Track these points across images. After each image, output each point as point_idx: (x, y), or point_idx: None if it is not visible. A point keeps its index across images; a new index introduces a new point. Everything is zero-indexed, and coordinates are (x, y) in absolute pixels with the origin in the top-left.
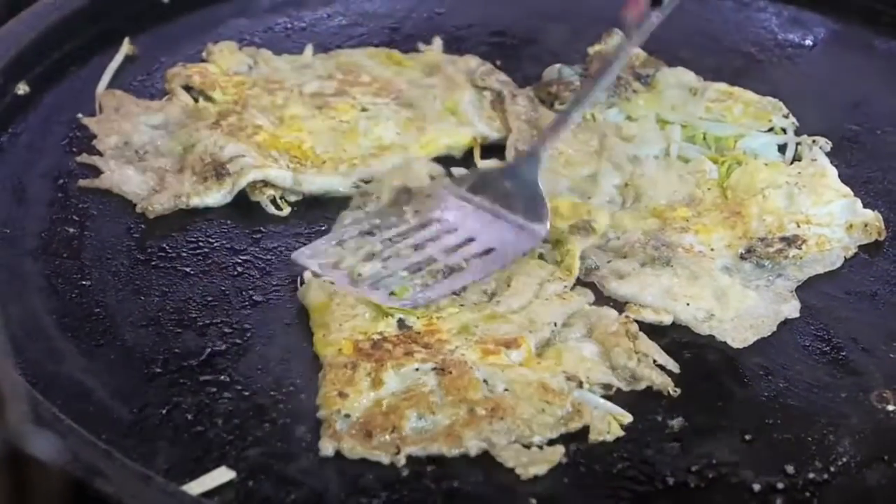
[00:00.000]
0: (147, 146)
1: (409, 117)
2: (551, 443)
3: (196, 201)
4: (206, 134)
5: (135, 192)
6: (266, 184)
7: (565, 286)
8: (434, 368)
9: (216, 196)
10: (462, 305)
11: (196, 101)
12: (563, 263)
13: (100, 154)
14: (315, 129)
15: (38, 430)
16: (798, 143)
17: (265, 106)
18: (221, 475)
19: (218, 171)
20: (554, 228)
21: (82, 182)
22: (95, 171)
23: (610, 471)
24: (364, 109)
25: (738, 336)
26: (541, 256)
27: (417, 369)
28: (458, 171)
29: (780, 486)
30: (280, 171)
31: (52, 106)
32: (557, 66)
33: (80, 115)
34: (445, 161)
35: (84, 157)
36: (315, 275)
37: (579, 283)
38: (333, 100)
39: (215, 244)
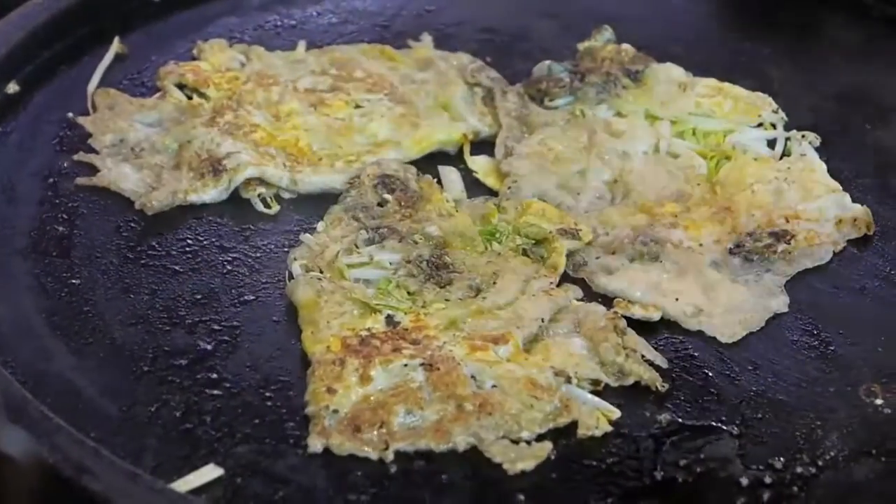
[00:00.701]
0: (142, 143)
1: (402, 113)
2: (539, 438)
3: (194, 198)
4: (202, 131)
5: (132, 190)
6: (260, 181)
7: (551, 283)
8: (422, 364)
9: (213, 193)
10: (448, 300)
11: (189, 98)
12: (549, 260)
13: (96, 152)
14: (311, 127)
15: (8, 426)
16: (787, 138)
17: (260, 102)
18: (209, 472)
19: (214, 167)
20: (540, 228)
21: (80, 180)
22: (89, 170)
23: (598, 466)
24: (358, 106)
25: (727, 331)
26: (525, 253)
27: (406, 365)
28: (445, 168)
29: (768, 480)
30: (276, 169)
31: (42, 105)
32: (547, 62)
33: (70, 114)
34: (438, 157)
35: (81, 156)
36: None
37: (567, 279)
38: (328, 97)
39: (205, 242)
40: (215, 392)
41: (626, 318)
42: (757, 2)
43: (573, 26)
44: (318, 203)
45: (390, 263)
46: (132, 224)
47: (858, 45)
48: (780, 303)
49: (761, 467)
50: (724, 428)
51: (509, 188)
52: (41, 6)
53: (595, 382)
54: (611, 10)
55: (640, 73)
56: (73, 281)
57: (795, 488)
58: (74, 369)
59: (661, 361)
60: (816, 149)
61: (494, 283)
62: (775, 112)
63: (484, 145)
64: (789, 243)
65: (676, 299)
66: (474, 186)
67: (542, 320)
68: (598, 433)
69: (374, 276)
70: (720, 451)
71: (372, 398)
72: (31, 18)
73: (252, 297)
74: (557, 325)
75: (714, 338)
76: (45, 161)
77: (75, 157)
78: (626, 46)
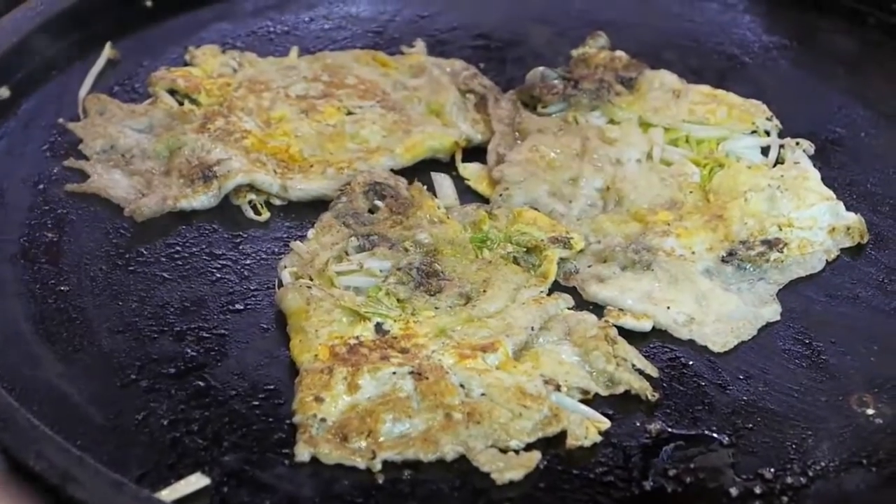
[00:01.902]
0: (133, 150)
1: (394, 120)
2: (528, 448)
3: (183, 204)
4: (192, 137)
5: (122, 196)
6: (250, 188)
7: (541, 291)
8: (410, 373)
9: (203, 199)
10: (437, 309)
11: (181, 104)
12: (540, 269)
13: (86, 158)
14: (302, 133)
15: None
16: (781, 146)
17: (251, 108)
18: (196, 481)
19: (205, 174)
20: (531, 236)
21: (70, 186)
22: (79, 176)
23: (587, 476)
24: (350, 113)
25: (719, 340)
26: (515, 261)
27: (394, 373)
28: (438, 175)
29: (758, 490)
30: (267, 176)
31: (32, 111)
32: (540, 68)
33: (61, 120)
34: (430, 164)
35: (71, 162)
36: None
37: (559, 288)
38: (319, 103)
39: (194, 249)
40: (203, 400)
41: (617, 326)
42: (752, 8)
43: (567, 33)
44: (309, 210)
45: (380, 271)
46: (122, 230)
47: (854, 53)
48: (773, 311)
49: (751, 477)
50: (715, 437)
51: (501, 195)
52: (33, 11)
53: (585, 391)
54: (604, 16)
55: (633, 80)
56: (62, 288)
57: (785, 498)
58: (62, 376)
59: (651, 370)
60: (810, 156)
61: (485, 290)
62: (769, 119)
63: (477, 152)
64: (782, 251)
65: (668, 308)
66: (466, 193)
67: (532, 328)
68: (587, 443)
69: (364, 283)
70: (711, 460)
71: (360, 407)
72: (23, 24)
73: (241, 305)
74: (548, 333)
75: (706, 346)
76: (36, 167)
77: (65, 163)
78: (619, 53)
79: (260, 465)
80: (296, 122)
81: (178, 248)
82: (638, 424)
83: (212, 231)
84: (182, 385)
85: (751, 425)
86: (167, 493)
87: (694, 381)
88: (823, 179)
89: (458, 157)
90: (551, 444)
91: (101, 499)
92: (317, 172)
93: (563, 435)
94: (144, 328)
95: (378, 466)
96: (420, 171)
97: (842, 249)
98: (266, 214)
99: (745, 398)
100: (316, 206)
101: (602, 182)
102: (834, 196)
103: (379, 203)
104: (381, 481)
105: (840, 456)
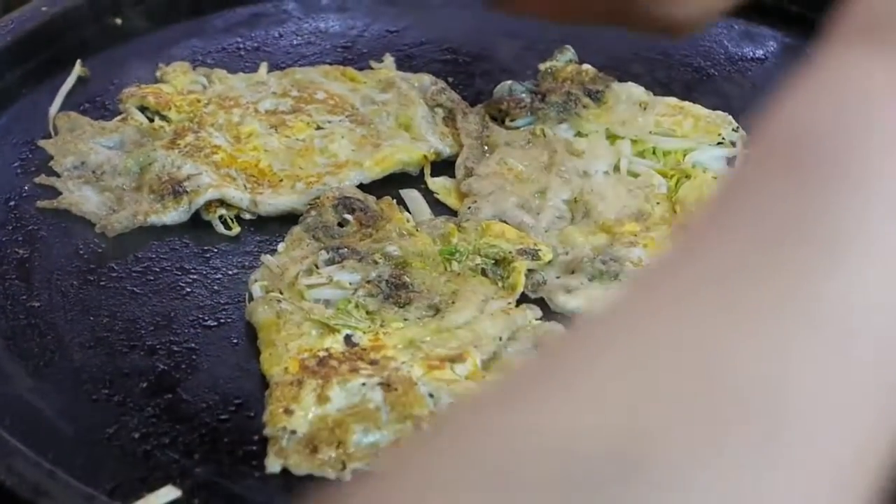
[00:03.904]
0: (104, 166)
1: (363, 134)
2: None
3: (154, 219)
4: (163, 153)
5: (93, 212)
6: (221, 203)
7: (509, 303)
8: (380, 384)
9: (173, 214)
10: (406, 320)
11: (151, 120)
12: (508, 280)
13: (57, 175)
14: (271, 148)
15: None
16: None
17: (221, 124)
18: (167, 494)
19: (175, 189)
20: (500, 248)
21: (41, 202)
22: (51, 192)
23: None
24: (319, 127)
25: None
26: (483, 273)
27: (364, 385)
28: (409, 192)
29: None
30: (237, 191)
31: (3, 129)
32: (508, 82)
33: (33, 139)
34: (400, 178)
35: (42, 179)
36: None
37: (527, 299)
38: (289, 118)
39: (165, 264)
40: (174, 414)
41: None
42: (719, 21)
43: (534, 47)
44: (280, 224)
45: (350, 283)
46: (92, 246)
47: None
48: None
49: None
50: None
51: (469, 208)
52: (4, 30)
53: None
54: (572, 30)
55: (600, 93)
56: (33, 303)
57: None
58: (33, 391)
59: None
60: None
61: (453, 302)
62: (735, 130)
63: (446, 165)
64: None
65: None
66: (435, 206)
67: (501, 339)
68: None
69: (334, 296)
70: None
71: (329, 418)
72: None
73: (212, 319)
74: (516, 343)
75: None
76: (7, 184)
77: (36, 180)
78: (586, 66)
79: (231, 477)
80: (265, 138)
81: (149, 263)
82: None
83: (182, 246)
84: (153, 399)
85: None
86: None
87: None
88: None
89: (427, 170)
90: None
91: None
92: (286, 187)
93: None
94: (116, 343)
95: (348, 476)
96: (388, 185)
97: None
98: (236, 229)
99: None
100: (286, 221)
101: (570, 194)
102: None
103: (348, 217)
104: None
105: None
